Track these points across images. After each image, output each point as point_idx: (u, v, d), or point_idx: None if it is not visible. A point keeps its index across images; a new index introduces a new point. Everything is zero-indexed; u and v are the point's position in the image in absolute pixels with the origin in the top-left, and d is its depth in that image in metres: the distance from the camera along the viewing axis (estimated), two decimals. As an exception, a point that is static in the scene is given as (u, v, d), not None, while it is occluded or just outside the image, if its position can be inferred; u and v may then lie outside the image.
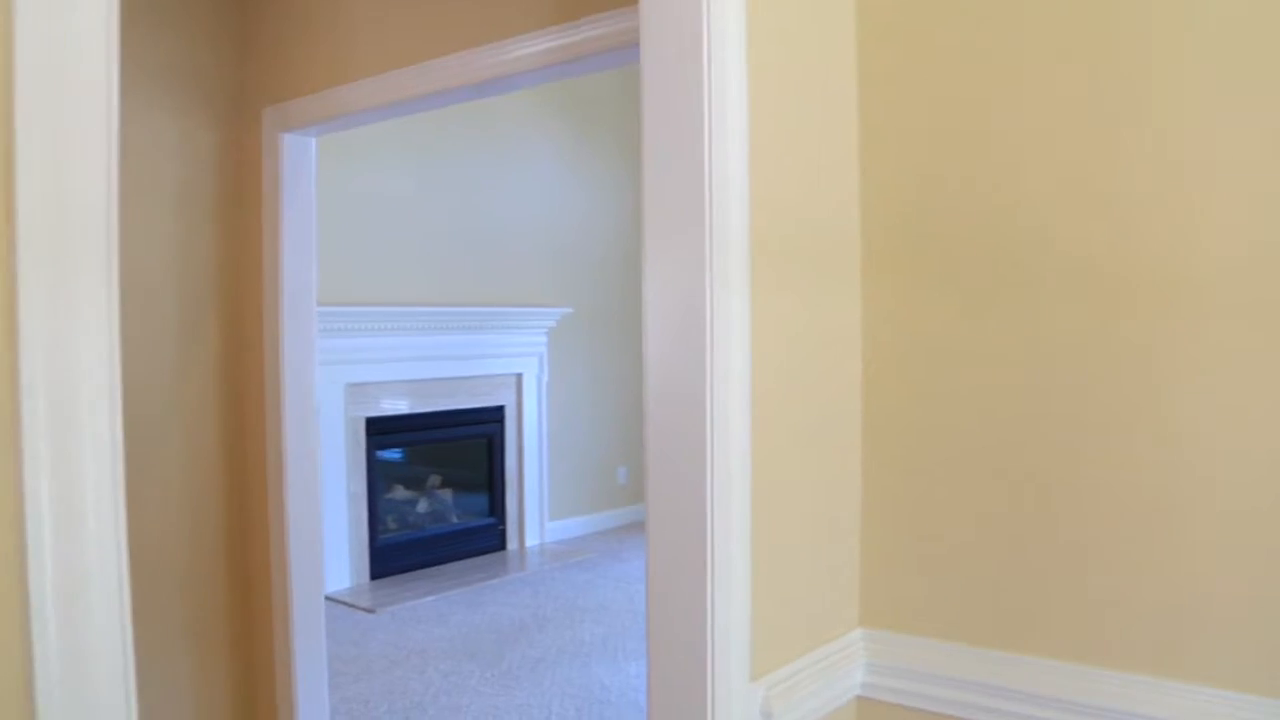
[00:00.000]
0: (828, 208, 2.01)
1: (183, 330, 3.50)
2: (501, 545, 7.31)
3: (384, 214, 6.45)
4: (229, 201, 3.61)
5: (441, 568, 6.79)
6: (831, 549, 2.05)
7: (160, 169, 3.43)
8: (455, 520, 7.14)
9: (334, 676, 4.78)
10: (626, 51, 2.53)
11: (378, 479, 6.56)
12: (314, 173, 3.59)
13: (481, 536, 7.18)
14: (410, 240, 6.62)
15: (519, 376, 7.34)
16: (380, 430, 6.49)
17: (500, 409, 7.25)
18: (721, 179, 1.74)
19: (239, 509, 3.68)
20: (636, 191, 8.28)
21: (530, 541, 7.46)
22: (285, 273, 3.51)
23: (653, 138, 1.80)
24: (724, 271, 1.73)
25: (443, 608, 5.91)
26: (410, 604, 5.96)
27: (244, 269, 3.65)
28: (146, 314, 3.41)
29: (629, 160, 8.23)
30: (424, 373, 6.68)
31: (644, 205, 1.81)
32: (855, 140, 2.07)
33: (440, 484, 7.17)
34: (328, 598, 6.05)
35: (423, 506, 7.02)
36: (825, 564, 2.04)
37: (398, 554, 6.62)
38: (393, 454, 6.82)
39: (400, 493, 6.93)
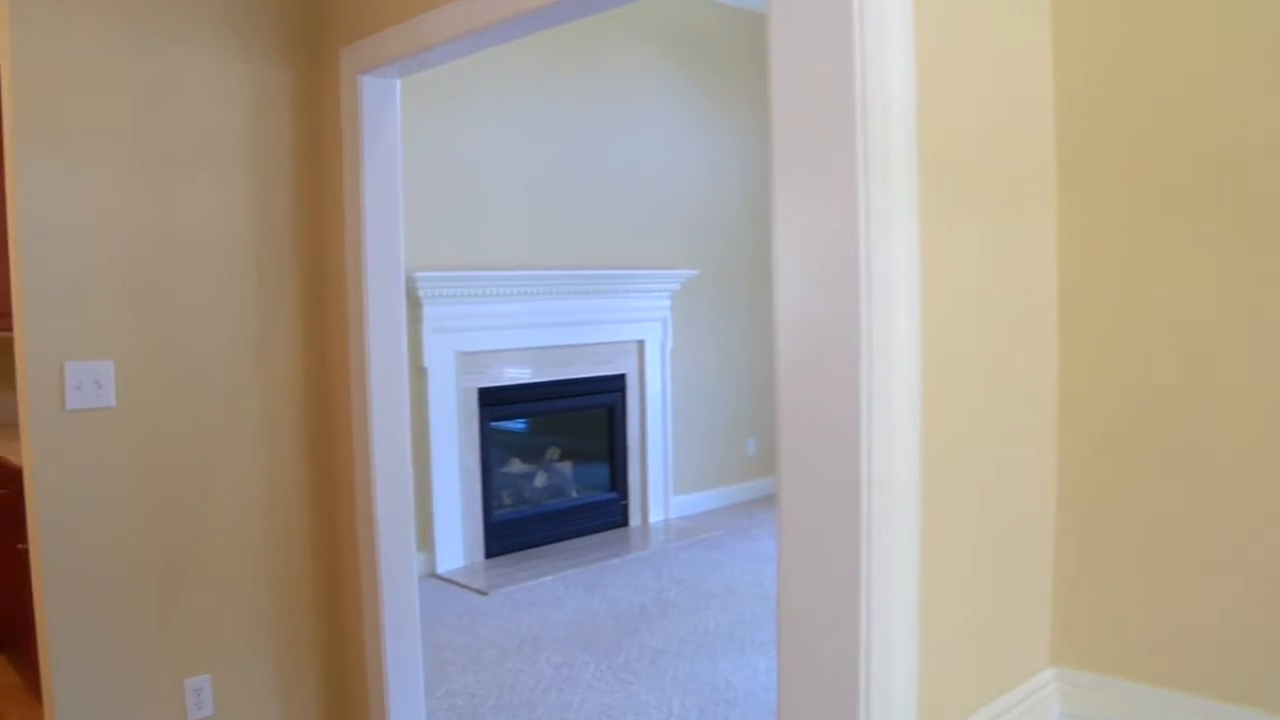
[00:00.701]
0: (1016, 124, 1.52)
1: (261, 297, 3.17)
2: (623, 521, 6.94)
3: (495, 173, 6.09)
4: (306, 154, 3.25)
5: (560, 545, 6.46)
6: (1019, 566, 1.57)
7: (229, 119, 3.09)
8: (575, 495, 6.79)
9: (441, 666, 4.47)
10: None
11: (492, 452, 6.24)
12: (398, 120, 3.21)
13: (602, 512, 6.82)
14: (522, 200, 6.25)
15: (641, 343, 6.93)
16: (495, 401, 6.16)
17: (621, 377, 6.86)
18: (878, 86, 1.27)
19: (324, 485, 3.36)
20: (764, 140, 7.76)
21: (654, 517, 7.07)
22: (368, 230, 3.14)
23: (783, 30, 1.34)
24: (883, 206, 1.27)
25: (559, 590, 5.57)
26: (525, 585, 5.63)
27: (325, 228, 3.30)
28: (218, 278, 3.09)
29: (758, 113, 7.70)
30: (540, 340, 6.32)
31: (773, 121, 1.34)
32: (1048, 40, 1.56)
33: (559, 457, 6.82)
34: (440, 578, 5.77)
35: (540, 480, 6.69)
36: (1011, 585, 1.56)
37: (514, 531, 6.31)
38: (509, 426, 6.50)
39: (517, 466, 6.61)
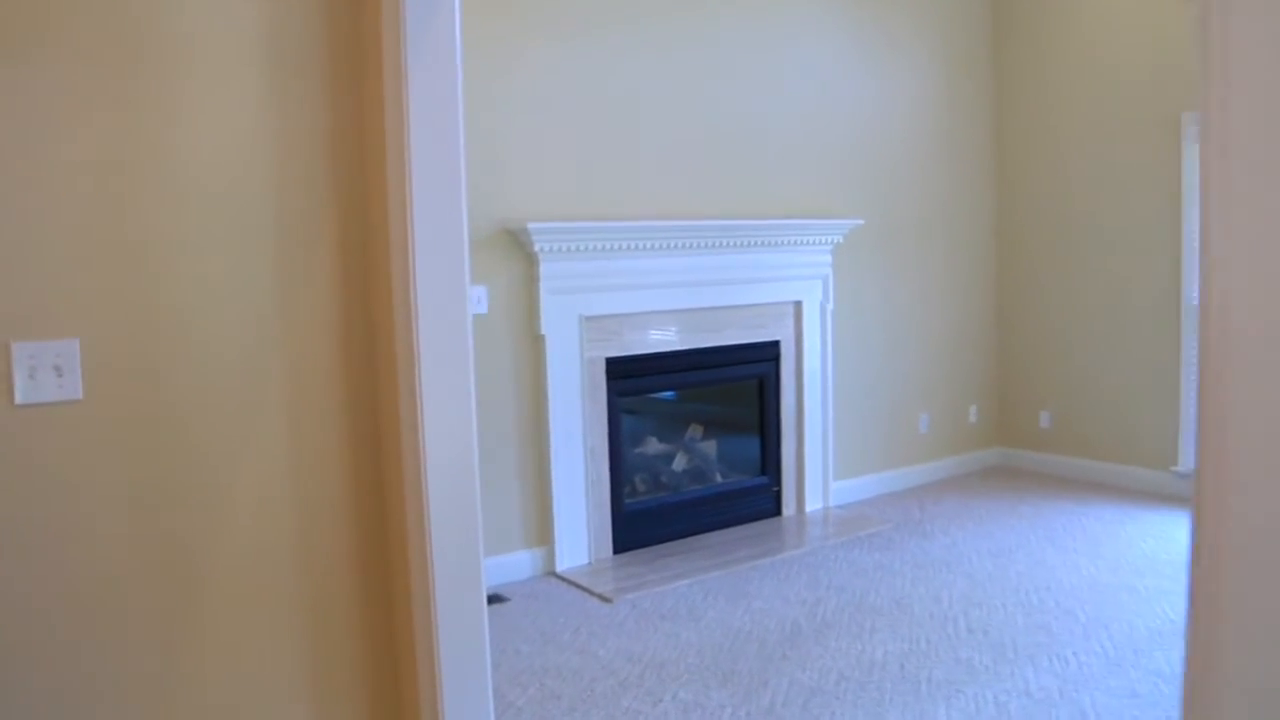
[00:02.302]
0: None
1: (282, 248, 2.38)
2: (776, 510, 6.04)
3: (624, 108, 5.21)
4: (340, 59, 2.43)
5: (700, 539, 5.60)
6: None
7: (238, 10, 2.29)
8: (719, 480, 5.92)
9: (545, 701, 3.67)
10: None
11: (622, 431, 5.41)
12: (456, 17, 2.35)
13: (752, 499, 5.93)
14: (655, 139, 5.36)
15: (798, 305, 5.98)
16: (625, 373, 5.33)
17: (775, 344, 5.93)
18: None
19: (368, 483, 2.56)
20: (939, 76, 6.65)
21: (811, 505, 6.14)
22: (414, 160, 2.30)
23: None
24: None
25: (696, 598, 4.72)
26: (657, 590, 4.80)
27: (367, 159, 2.48)
28: (228, 224, 2.30)
29: (928, 38, 6.59)
30: (678, 302, 5.44)
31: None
32: None
33: (702, 436, 5.95)
34: (560, 577, 4.99)
35: (679, 463, 5.84)
36: None
37: (648, 522, 5.48)
38: (643, 401, 5.66)
39: (652, 446, 5.77)
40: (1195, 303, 6.40)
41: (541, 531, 5.07)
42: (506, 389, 4.91)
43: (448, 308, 2.40)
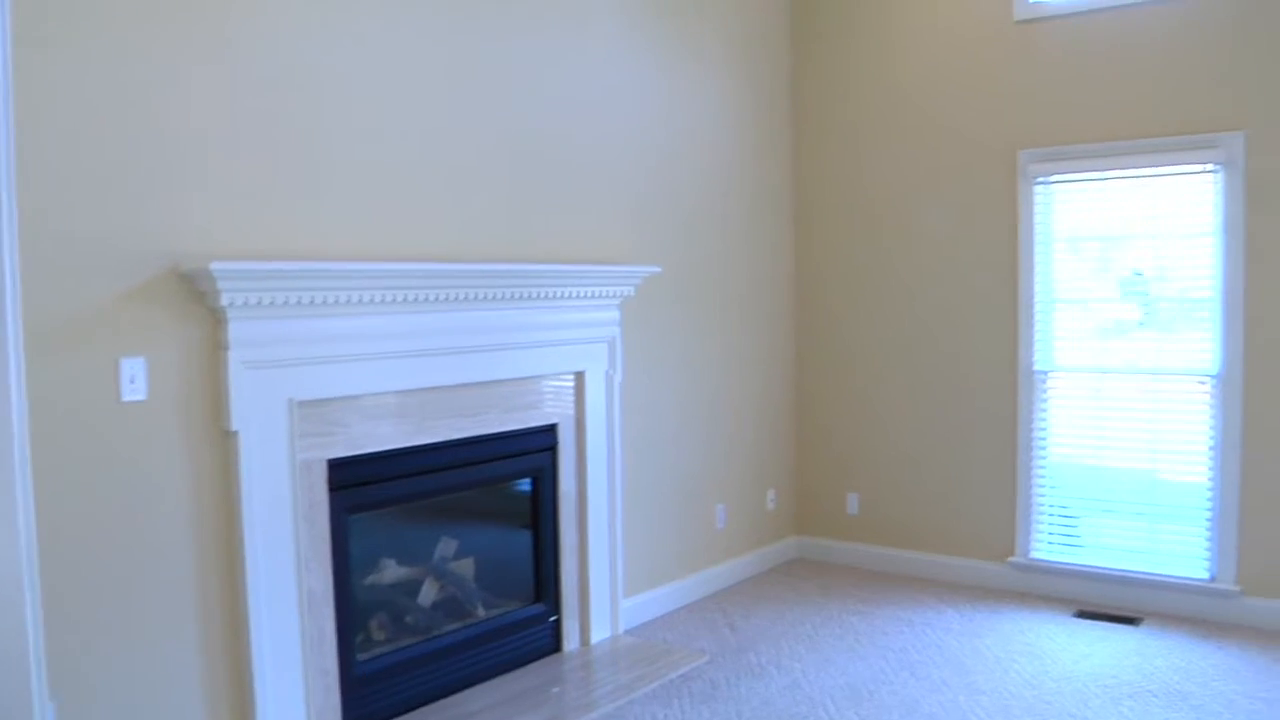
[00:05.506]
0: None
1: None
2: (555, 645, 4.60)
3: (353, 110, 3.70)
4: None
5: (462, 700, 4.08)
6: None
7: None
8: (482, 613, 4.41)
9: None
10: None
11: (351, 559, 3.82)
12: None
13: (525, 636, 4.46)
14: (395, 157, 3.87)
15: (579, 376, 4.60)
16: (353, 479, 3.75)
17: (551, 430, 4.52)
18: None
19: None
20: (745, 102, 5.52)
21: (598, 634, 4.74)
22: None
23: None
24: None
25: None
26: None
27: None
28: None
29: (742, 50, 5.46)
30: (427, 377, 3.94)
31: None
32: None
33: (455, 556, 4.42)
34: (263, 795, 3.31)
35: (428, 594, 4.28)
36: None
37: (389, 685, 3.90)
38: (376, 516, 4.07)
39: (390, 573, 4.20)
40: (1036, 368, 5.68)
41: (237, 712, 3.40)
42: (177, 515, 3.23)
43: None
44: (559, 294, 4.36)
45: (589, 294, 4.50)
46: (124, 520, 3.09)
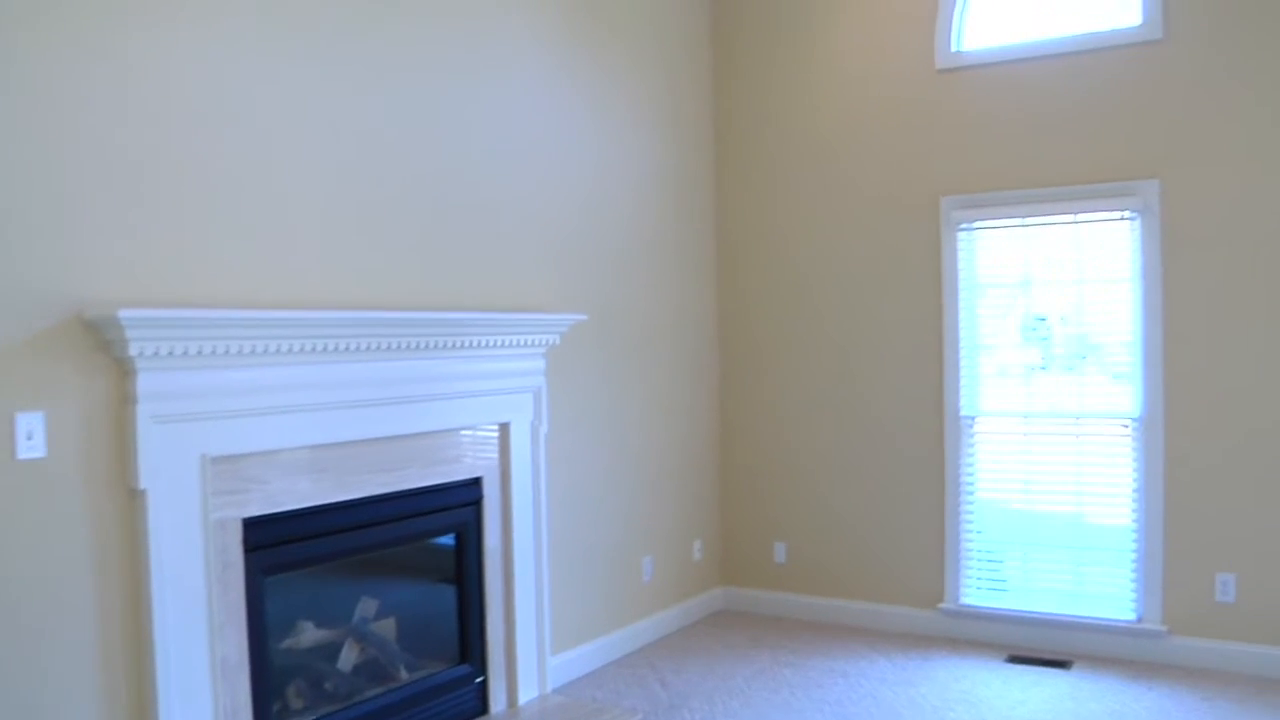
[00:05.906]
0: None
1: None
2: (482, 707, 4.42)
3: (266, 145, 3.56)
4: None
5: (386, 770, 3.88)
6: None
7: None
8: (405, 676, 4.21)
9: None
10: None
11: (268, 623, 3.61)
12: None
13: (450, 699, 4.27)
14: (311, 195, 3.73)
15: (504, 428, 4.47)
16: (270, 539, 3.55)
17: (475, 484, 4.37)
18: None
19: None
20: (669, 142, 5.49)
21: (526, 694, 4.56)
22: None
23: None
24: None
25: None
26: None
27: None
28: None
29: (666, 94, 5.44)
30: (344, 431, 3.77)
31: None
32: None
33: (376, 616, 4.23)
34: None
35: (348, 658, 4.08)
36: None
37: (309, 758, 3.69)
38: (293, 576, 3.87)
39: (309, 636, 3.99)
40: (963, 413, 5.68)
41: (140, 801, 3.17)
42: (79, 581, 3.01)
43: None
44: (483, 343, 4.24)
45: (513, 343, 4.38)
46: (18, 587, 2.86)
